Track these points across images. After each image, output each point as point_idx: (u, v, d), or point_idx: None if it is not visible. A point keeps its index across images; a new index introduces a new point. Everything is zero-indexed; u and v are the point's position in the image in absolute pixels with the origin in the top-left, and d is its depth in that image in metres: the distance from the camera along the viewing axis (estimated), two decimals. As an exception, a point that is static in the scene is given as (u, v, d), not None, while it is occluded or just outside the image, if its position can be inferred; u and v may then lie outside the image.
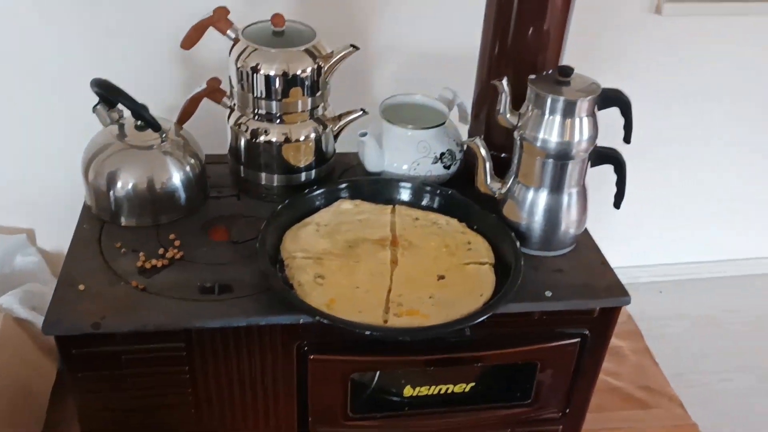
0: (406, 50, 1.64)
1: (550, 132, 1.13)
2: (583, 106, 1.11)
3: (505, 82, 1.15)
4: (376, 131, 1.33)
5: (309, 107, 1.25)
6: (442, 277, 1.14)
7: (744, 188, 2.12)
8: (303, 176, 1.31)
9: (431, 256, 1.17)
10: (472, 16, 1.64)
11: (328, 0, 1.56)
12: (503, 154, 1.31)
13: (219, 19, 1.22)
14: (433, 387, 1.20)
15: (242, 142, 1.29)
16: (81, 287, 1.07)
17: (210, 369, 1.11)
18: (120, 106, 1.25)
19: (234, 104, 1.28)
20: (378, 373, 1.20)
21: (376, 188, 1.29)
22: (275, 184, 1.31)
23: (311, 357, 1.11)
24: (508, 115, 1.16)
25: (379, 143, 1.31)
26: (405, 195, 1.29)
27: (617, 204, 1.24)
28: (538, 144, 1.14)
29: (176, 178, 1.23)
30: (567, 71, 1.12)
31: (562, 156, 1.14)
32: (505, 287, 1.08)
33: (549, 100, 1.12)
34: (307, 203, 1.25)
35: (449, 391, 1.20)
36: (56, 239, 1.79)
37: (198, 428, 1.17)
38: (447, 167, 1.34)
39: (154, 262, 1.13)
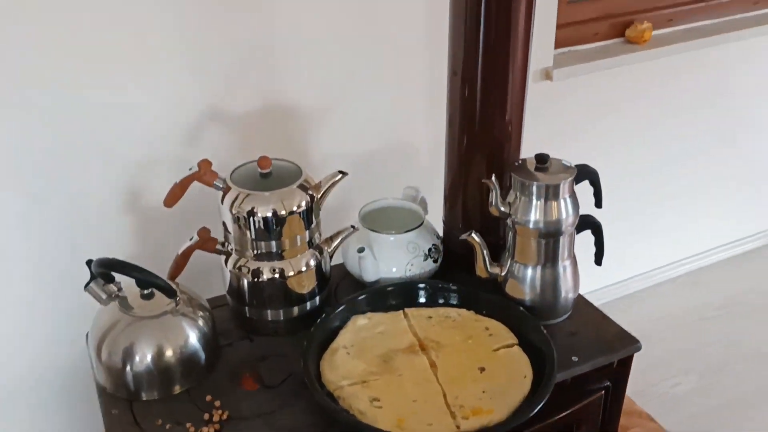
0: (350, 156, 1.71)
1: (540, 214, 1.25)
2: (565, 187, 1.24)
3: (494, 179, 1.25)
4: (363, 241, 1.38)
5: (307, 239, 1.29)
6: (482, 369, 1.20)
7: (642, 210, 2.40)
8: (308, 305, 1.33)
9: (462, 351, 1.24)
10: (401, 114, 1.77)
11: (264, 123, 1.60)
12: (483, 238, 1.41)
13: (205, 172, 1.24)
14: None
15: (245, 284, 1.29)
16: (146, 478, 1.02)
17: None
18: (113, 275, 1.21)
19: (231, 248, 1.29)
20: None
21: (388, 296, 1.34)
22: (282, 318, 1.32)
23: (382, 480, 1.13)
24: (500, 207, 1.27)
25: (372, 253, 1.37)
26: (416, 297, 1.35)
27: (598, 261, 1.38)
28: (531, 226, 1.26)
29: (193, 338, 1.20)
30: (544, 158, 1.25)
31: (554, 233, 1.26)
32: (548, 366, 1.16)
33: (534, 187, 1.24)
34: (328, 326, 1.27)
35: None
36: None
37: None
38: (435, 261, 1.42)
39: (205, 430, 1.10)
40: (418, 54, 1.69)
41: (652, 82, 2.15)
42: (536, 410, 1.09)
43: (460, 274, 1.39)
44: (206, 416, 1.13)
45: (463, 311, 1.33)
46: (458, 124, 1.34)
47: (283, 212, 1.23)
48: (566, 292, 1.32)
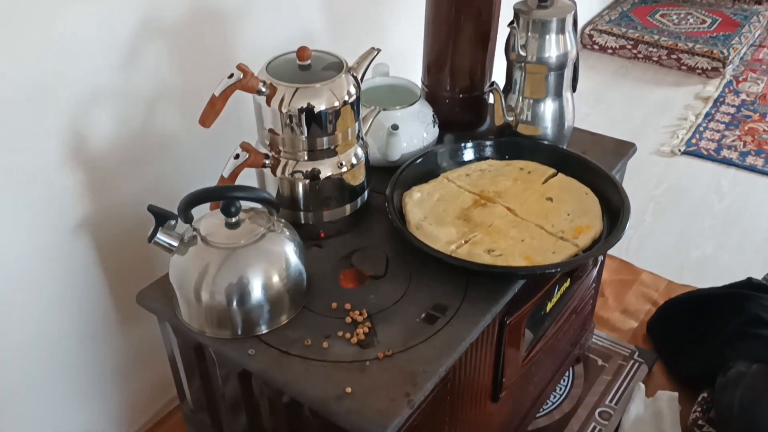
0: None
1: (551, 49, 1.33)
2: (569, 20, 1.33)
3: (515, 24, 1.31)
4: (377, 123, 1.35)
5: (357, 129, 1.23)
6: (550, 199, 1.29)
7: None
8: (359, 199, 1.28)
9: (519, 191, 1.31)
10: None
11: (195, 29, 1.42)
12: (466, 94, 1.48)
13: (249, 77, 1.10)
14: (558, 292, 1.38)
15: (299, 189, 1.21)
16: (347, 391, 0.96)
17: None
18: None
19: (280, 154, 1.18)
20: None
21: (425, 167, 1.35)
22: (338, 218, 1.26)
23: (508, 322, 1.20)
24: (519, 51, 1.33)
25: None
26: (446, 161, 1.38)
27: (574, 88, 1.52)
28: (544, 62, 1.34)
29: (294, 256, 1.10)
30: (545, -3, 1.33)
31: (561, 66, 1.36)
32: (611, 175, 1.30)
33: (545, 24, 1.31)
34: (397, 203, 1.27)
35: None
36: None
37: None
38: (438, 125, 1.45)
39: (360, 330, 1.05)
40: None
41: None
42: (628, 213, 1.22)
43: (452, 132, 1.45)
44: (348, 320, 1.08)
45: (490, 161, 1.40)
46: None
47: (336, 104, 1.15)
48: (568, 121, 1.45)
